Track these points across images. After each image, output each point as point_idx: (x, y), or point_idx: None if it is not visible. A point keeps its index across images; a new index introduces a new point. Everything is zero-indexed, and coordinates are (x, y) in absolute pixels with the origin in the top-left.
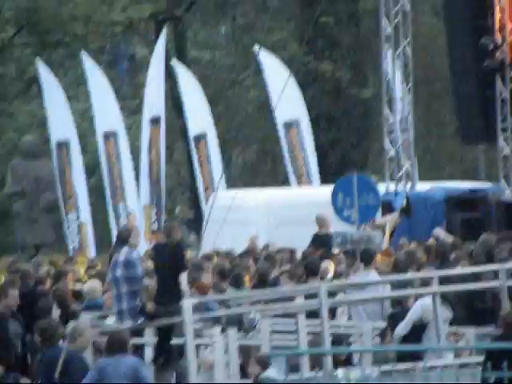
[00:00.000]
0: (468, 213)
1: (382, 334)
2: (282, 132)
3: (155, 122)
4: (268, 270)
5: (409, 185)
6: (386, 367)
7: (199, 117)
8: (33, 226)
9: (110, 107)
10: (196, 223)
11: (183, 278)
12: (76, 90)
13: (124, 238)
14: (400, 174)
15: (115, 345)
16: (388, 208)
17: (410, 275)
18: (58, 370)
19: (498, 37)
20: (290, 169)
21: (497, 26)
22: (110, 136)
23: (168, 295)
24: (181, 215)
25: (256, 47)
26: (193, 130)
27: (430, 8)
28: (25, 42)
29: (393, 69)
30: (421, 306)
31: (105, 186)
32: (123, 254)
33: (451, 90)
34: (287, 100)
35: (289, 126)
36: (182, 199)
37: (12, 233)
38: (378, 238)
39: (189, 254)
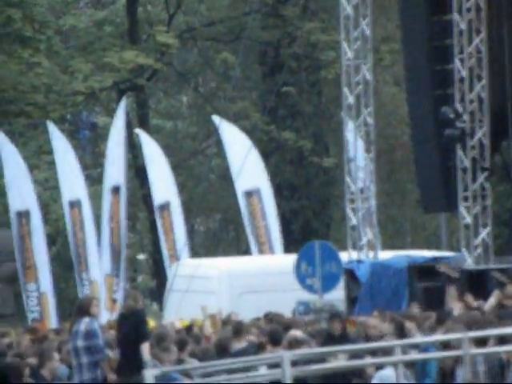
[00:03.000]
0: (430, 281)
1: None
2: (242, 201)
3: (115, 191)
4: (230, 339)
5: (371, 253)
6: None
7: (163, 185)
8: None
9: (74, 176)
10: (158, 292)
11: (145, 347)
12: (37, 160)
13: (84, 308)
14: (362, 242)
15: None
16: (350, 276)
17: (372, 345)
18: None
19: (458, 106)
20: (251, 237)
21: (457, 95)
22: (74, 204)
23: (130, 365)
24: (143, 284)
25: (215, 118)
26: (157, 198)
27: (392, 78)
28: None
29: (354, 138)
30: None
31: (71, 254)
32: (84, 324)
33: (413, 158)
34: (249, 169)
35: (250, 194)
36: (144, 268)
37: None
38: (340, 307)
39: (151, 323)
